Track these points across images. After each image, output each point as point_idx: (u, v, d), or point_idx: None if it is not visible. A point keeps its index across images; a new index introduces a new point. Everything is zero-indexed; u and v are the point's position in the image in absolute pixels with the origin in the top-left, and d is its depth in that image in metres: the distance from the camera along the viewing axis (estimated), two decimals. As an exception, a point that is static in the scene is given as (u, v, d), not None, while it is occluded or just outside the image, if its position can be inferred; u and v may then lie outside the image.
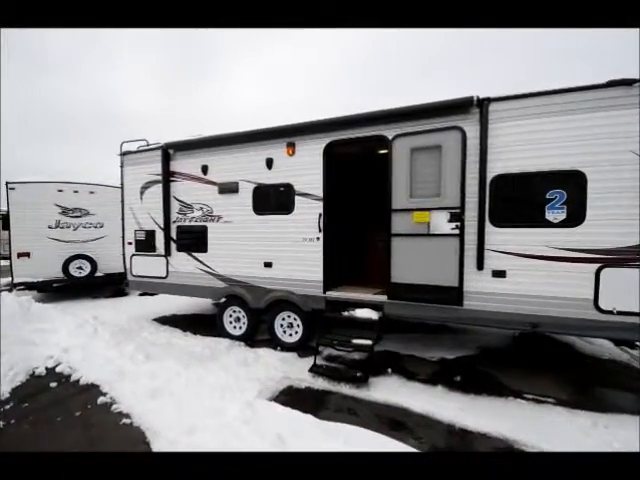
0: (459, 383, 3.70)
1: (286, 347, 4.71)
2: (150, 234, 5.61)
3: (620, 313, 3.25)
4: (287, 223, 4.64)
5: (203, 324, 5.90)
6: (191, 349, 4.50)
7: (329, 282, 4.52)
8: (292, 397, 3.44)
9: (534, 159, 3.48)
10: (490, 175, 3.61)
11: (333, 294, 4.46)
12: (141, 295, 8.37)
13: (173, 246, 5.48)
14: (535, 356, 4.47)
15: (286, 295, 4.66)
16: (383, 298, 4.17)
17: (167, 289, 5.60)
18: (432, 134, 3.81)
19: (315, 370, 3.82)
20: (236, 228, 4.98)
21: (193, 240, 5.35)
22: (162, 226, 5.49)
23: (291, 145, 4.55)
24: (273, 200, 4.80)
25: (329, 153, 4.40)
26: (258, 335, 5.13)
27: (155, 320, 6.20)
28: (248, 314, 5.00)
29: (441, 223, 3.77)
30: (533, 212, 3.53)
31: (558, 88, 3.41)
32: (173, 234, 5.47)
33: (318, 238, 4.45)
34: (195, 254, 5.34)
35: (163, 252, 5.51)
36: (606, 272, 3.29)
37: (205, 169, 5.16)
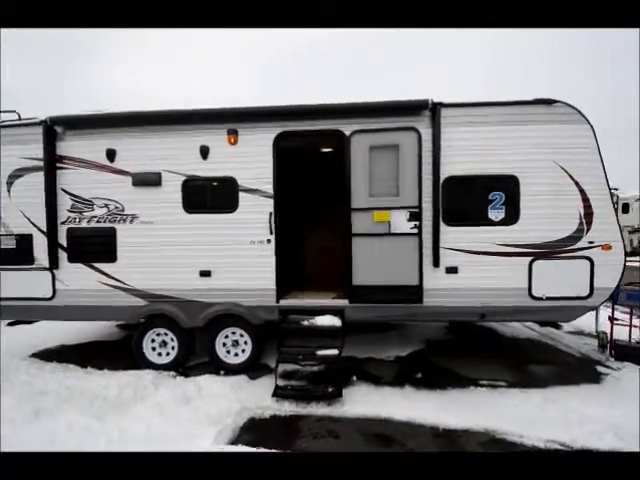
0: (422, 380, 3.74)
1: (232, 369, 3.99)
2: (24, 240, 4.05)
3: (549, 299, 3.77)
4: (229, 224, 3.94)
5: (108, 354, 4.60)
6: (102, 392, 3.37)
7: (282, 289, 4.03)
8: (259, 432, 2.86)
9: (478, 163, 3.75)
10: (442, 176, 3.75)
11: (288, 302, 3.99)
12: (11, 325, 6.07)
13: (62, 255, 4.08)
14: (470, 343, 4.91)
15: (230, 308, 3.96)
16: (344, 302, 3.92)
17: (55, 314, 4.14)
18: (390, 133, 3.75)
19: (280, 393, 3.30)
20: (160, 230, 4.00)
21: (94, 247, 4.09)
22: (44, 229, 4.03)
23: (233, 133, 3.89)
24: (210, 196, 4.03)
25: (280, 145, 3.91)
26: (191, 360, 4.24)
27: (35, 356, 4.53)
28: (179, 336, 4.07)
29: (401, 222, 3.74)
30: (479, 212, 3.82)
31: (497, 101, 3.76)
32: (62, 239, 4.07)
33: (269, 240, 3.91)
34: (97, 265, 4.09)
35: (47, 264, 4.05)
36: (537, 264, 3.77)
37: (112, 155, 4.00)
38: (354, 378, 3.72)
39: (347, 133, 3.80)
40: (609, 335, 4.27)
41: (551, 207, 3.74)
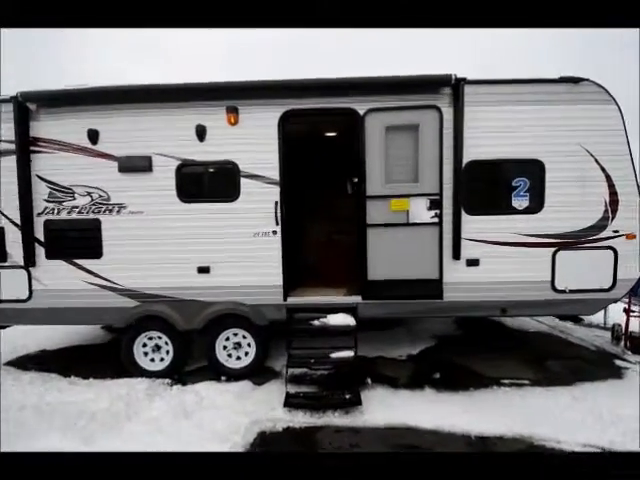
0: (441, 381, 3.50)
1: (234, 375, 3.64)
2: (-7, 234, 3.55)
3: (571, 291, 3.57)
4: (230, 214, 3.55)
5: (94, 360, 4.17)
6: (89, 406, 2.96)
7: (289, 286, 3.68)
8: (273, 448, 2.53)
9: (502, 146, 3.47)
10: (464, 161, 3.46)
11: (297, 300, 3.65)
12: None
13: (40, 251, 3.60)
14: (480, 338, 4.72)
15: (232, 308, 3.59)
16: (357, 299, 3.60)
17: (31, 318, 3.67)
18: (409, 112, 3.42)
19: (292, 402, 2.97)
20: (151, 222, 3.57)
21: (76, 241, 3.63)
22: (17, 221, 3.53)
23: (233, 111, 3.47)
24: (208, 183, 3.62)
25: (286, 126, 3.53)
26: (188, 364, 3.87)
27: (11, 364, 4.04)
28: (174, 339, 3.67)
29: (421, 211, 3.45)
30: (502, 199, 3.56)
31: (522, 78, 3.48)
32: (39, 233, 3.59)
33: (275, 232, 3.55)
34: (80, 262, 3.63)
35: (21, 261, 3.56)
36: (560, 255, 3.55)
37: (94, 136, 3.52)
38: (369, 381, 3.43)
39: (361, 112, 3.45)
40: (624, 327, 4.14)
41: (576, 194, 3.52)
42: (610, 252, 3.55)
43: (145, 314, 3.60)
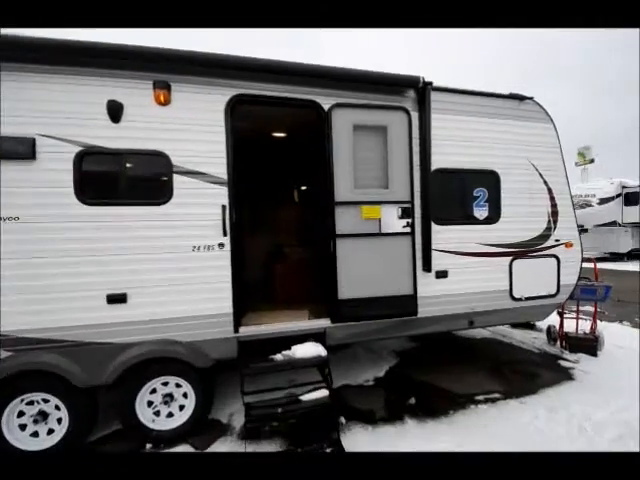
0: (418, 406, 3.16)
1: (165, 439, 2.68)
2: None
3: (527, 299, 3.66)
4: (159, 221, 2.66)
5: None
6: None
7: (241, 313, 2.92)
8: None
9: (465, 156, 3.44)
10: (432, 168, 3.28)
11: (251, 330, 2.90)
12: None
13: None
14: (435, 350, 4.61)
15: (160, 349, 2.65)
16: (325, 322, 3.05)
17: None
18: (377, 112, 3.11)
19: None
20: (32, 232, 2.44)
21: None
22: None
23: (163, 87, 2.65)
24: (126, 180, 2.66)
25: (235, 114, 2.85)
26: (93, 432, 2.73)
27: None
28: (70, 401, 2.53)
29: (392, 220, 3.11)
30: (465, 209, 3.49)
31: (481, 90, 3.51)
32: None
33: (222, 245, 2.78)
34: None
35: None
36: (515, 264, 3.62)
37: None
38: (342, 420, 2.88)
39: (326, 107, 2.99)
40: (558, 328, 4.48)
41: (526, 205, 3.67)
42: (554, 260, 3.77)
43: (22, 369, 2.40)
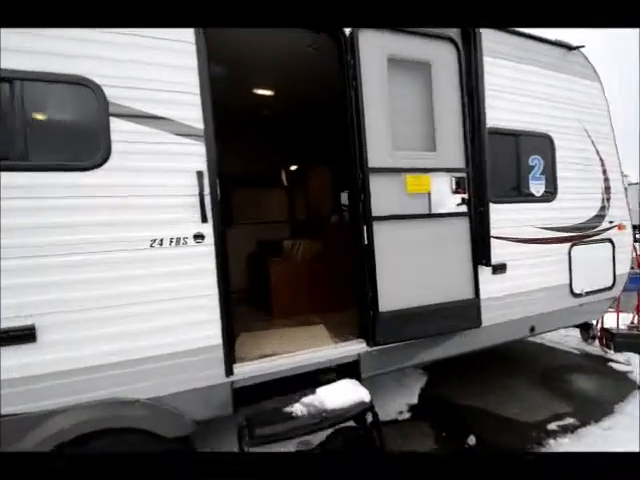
0: (480, 445, 2.30)
1: None
2: None
3: (587, 293, 2.97)
4: (88, 198, 1.54)
5: None
6: None
7: (232, 344, 1.86)
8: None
9: (519, 114, 2.67)
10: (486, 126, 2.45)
11: (251, 370, 1.83)
12: None
13: None
14: (462, 359, 3.83)
15: (104, 416, 1.53)
16: (358, 347, 2.07)
17: None
18: (417, 40, 2.20)
19: None
20: None
21: None
22: None
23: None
24: (23, 126, 1.49)
25: (212, 37, 1.79)
26: None
27: None
28: None
29: (445, 195, 2.23)
30: (520, 182, 2.71)
31: (530, 33, 2.75)
32: None
33: (200, 237, 1.71)
34: None
35: None
36: (574, 251, 2.92)
37: None
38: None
39: (347, 30, 2.03)
40: (598, 324, 3.91)
41: (582, 179, 2.99)
42: (609, 245, 3.13)
43: None
